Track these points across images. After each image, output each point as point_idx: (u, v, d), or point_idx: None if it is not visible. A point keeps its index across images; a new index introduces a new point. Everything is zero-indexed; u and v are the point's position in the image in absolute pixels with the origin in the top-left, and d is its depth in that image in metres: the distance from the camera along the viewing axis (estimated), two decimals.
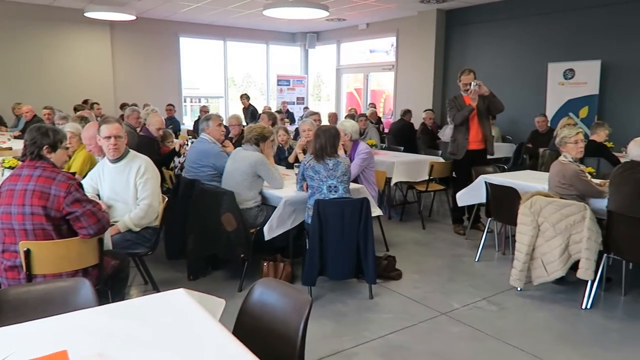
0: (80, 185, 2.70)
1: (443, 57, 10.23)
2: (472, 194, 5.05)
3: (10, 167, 4.22)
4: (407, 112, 8.39)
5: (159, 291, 3.81)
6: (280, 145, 5.43)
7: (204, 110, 9.75)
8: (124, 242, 3.38)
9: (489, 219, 4.87)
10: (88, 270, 2.75)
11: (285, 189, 4.21)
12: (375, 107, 10.40)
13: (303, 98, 13.65)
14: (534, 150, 7.21)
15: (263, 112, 7.51)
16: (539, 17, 8.50)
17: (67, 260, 2.67)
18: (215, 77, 13.54)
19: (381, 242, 5.03)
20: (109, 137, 3.36)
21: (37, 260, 2.58)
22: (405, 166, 6.03)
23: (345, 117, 8.49)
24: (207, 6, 9.84)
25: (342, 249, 3.76)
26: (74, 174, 3.88)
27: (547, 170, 4.71)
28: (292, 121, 11.36)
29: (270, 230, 3.96)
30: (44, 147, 2.70)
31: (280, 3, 8.61)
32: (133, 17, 9.81)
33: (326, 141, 3.78)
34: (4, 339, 1.63)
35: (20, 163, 4.32)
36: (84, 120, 4.95)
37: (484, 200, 4.87)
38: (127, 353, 1.54)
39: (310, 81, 14.59)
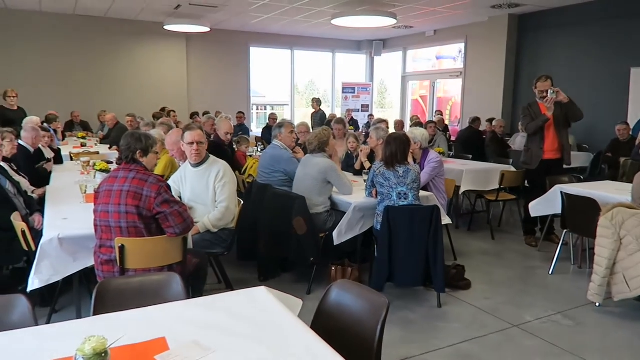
0: (169, 187, 2.91)
1: (514, 63, 9.94)
2: (546, 205, 4.88)
3: (101, 170, 4.58)
4: (476, 120, 8.22)
5: (233, 290, 4.00)
6: (350, 152, 5.50)
7: (272, 117, 10.04)
8: (202, 242, 3.58)
9: (565, 230, 4.69)
10: (173, 267, 2.94)
11: (355, 195, 4.28)
12: (442, 115, 10.26)
13: (368, 105, 13.70)
14: (614, 160, 6.84)
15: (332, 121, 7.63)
16: (619, 19, 8.07)
17: (155, 257, 2.88)
18: (281, 85, 13.90)
19: (449, 251, 4.97)
20: (192, 143, 3.58)
21: (130, 255, 2.80)
22: (475, 175, 5.92)
23: (411, 126, 8.45)
24: (277, 17, 10.16)
25: (411, 256, 3.77)
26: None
27: (629, 180, 4.48)
28: (357, 129, 11.43)
29: (340, 235, 4.03)
30: (137, 152, 2.94)
31: (348, 12, 8.75)
32: (208, 29, 10.33)
33: (396, 149, 3.81)
34: (109, 325, 1.80)
35: (108, 166, 4.70)
36: (167, 127, 5.28)
37: (559, 211, 4.70)
38: (219, 342, 1.66)
39: (374, 89, 14.61)
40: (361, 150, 5.27)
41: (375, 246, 3.99)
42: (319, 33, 12.28)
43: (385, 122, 6.75)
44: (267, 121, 10.38)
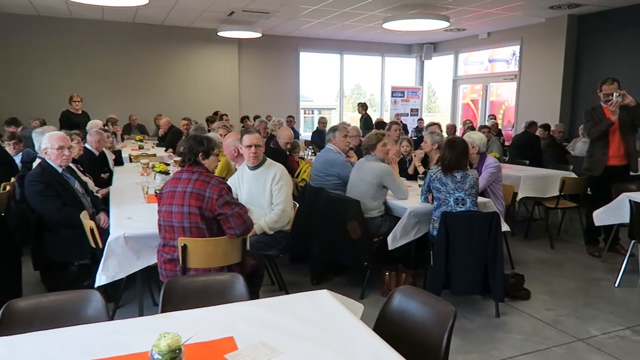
0: (230, 189, 2.97)
1: (573, 65, 9.55)
2: (611, 214, 4.64)
3: (160, 172, 4.73)
4: (532, 124, 7.94)
5: (287, 292, 4.03)
6: (403, 156, 5.44)
7: (322, 121, 10.09)
8: (258, 244, 3.63)
9: (632, 241, 4.44)
10: (232, 268, 2.99)
11: (409, 200, 4.23)
12: (495, 119, 9.99)
13: (417, 110, 13.53)
14: None
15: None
16: None
17: (216, 257, 2.94)
18: (328, 89, 13.94)
19: (506, 259, 4.79)
20: (250, 146, 3.64)
21: (192, 255, 2.87)
22: (533, 181, 5.71)
23: (465, 130, 8.26)
24: (327, 21, 10.21)
25: (468, 263, 3.68)
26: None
27: None
28: (406, 133, 11.31)
29: (394, 240, 3.99)
30: (199, 154, 3.01)
31: (400, 16, 8.68)
32: (259, 35, 10.51)
33: (456, 154, 3.73)
34: (178, 322, 1.85)
35: (167, 168, 4.85)
36: (226, 129, 5.42)
37: (626, 220, 4.46)
38: (286, 344, 1.67)
39: (424, 92, 14.42)
40: (415, 155, 5.20)
41: (431, 252, 3.92)
42: (369, 37, 12.25)
43: (438, 124, 6.62)
44: (317, 125, 10.43)
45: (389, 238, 3.98)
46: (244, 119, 10.77)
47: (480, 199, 4.12)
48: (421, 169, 5.05)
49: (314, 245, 4.43)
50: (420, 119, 12.34)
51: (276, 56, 12.30)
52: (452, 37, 12.26)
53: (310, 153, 7.30)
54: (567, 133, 9.19)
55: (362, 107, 11.15)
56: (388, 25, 9.12)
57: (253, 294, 3.30)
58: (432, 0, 8.14)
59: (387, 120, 11.79)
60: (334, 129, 4.75)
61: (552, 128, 8.04)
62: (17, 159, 5.46)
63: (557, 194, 5.63)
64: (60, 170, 3.84)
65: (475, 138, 4.69)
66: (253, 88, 12.21)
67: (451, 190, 3.75)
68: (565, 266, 5.00)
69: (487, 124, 9.25)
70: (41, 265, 4.07)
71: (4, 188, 4.47)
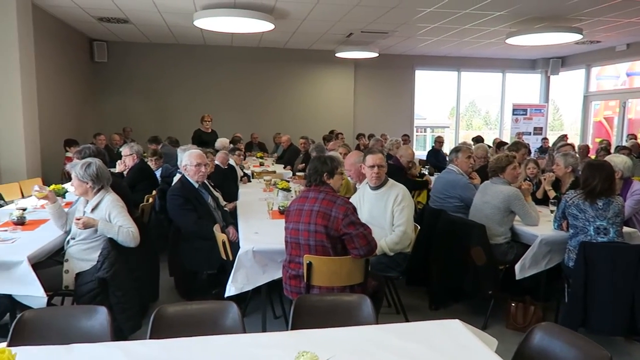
0: (355, 210, 2.99)
1: None
2: None
3: (282, 189, 4.93)
4: None
5: (405, 316, 3.95)
6: (529, 179, 5.10)
7: (439, 140, 9.84)
8: (378, 265, 3.59)
9: None
10: (354, 288, 3.00)
11: (540, 226, 3.93)
12: (636, 138, 8.99)
13: (541, 128, 12.65)
14: None
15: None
16: None
17: (339, 276, 2.96)
18: (441, 106, 13.59)
19: None
20: (373, 166, 3.65)
21: (316, 272, 2.93)
22: None
23: (599, 151, 7.54)
24: (445, 39, 10.02)
25: (611, 300, 3.30)
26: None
27: None
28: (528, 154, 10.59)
29: (522, 270, 3.73)
30: (324, 174, 3.08)
31: (525, 30, 8.25)
32: (376, 54, 10.61)
33: (600, 179, 3.40)
34: (310, 341, 1.88)
35: (289, 185, 5.02)
36: (346, 148, 5.53)
37: None
38: None
39: (549, 110, 13.46)
40: (544, 178, 4.85)
41: (566, 285, 3.60)
42: (489, 53, 11.78)
43: (572, 145, 6.12)
44: (433, 144, 10.19)
45: (517, 267, 3.73)
46: (359, 136, 10.90)
47: (625, 229, 3.71)
48: (552, 193, 4.69)
49: (433, 269, 4.29)
50: (545, 139, 11.52)
51: (392, 75, 12.32)
52: (584, 50, 11.33)
53: (425, 173, 7.15)
54: None
55: (477, 141, 10.41)
56: (512, 41, 8.70)
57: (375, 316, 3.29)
58: (562, 12, 7.61)
59: (506, 139, 11.16)
60: (457, 149, 4.60)
61: None
62: (158, 174, 6.03)
63: None
64: (196, 185, 4.16)
65: (618, 162, 4.24)
66: (367, 107, 12.33)
67: (591, 218, 3.42)
68: None
69: (625, 144, 8.35)
70: (176, 272, 4.42)
71: (147, 200, 4.95)
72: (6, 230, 3.56)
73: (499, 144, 7.44)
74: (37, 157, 6.64)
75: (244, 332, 2.06)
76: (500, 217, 3.93)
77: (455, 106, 13.28)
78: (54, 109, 8.12)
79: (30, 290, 2.90)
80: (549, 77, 13.05)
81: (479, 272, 3.86)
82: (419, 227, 3.83)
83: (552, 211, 4.24)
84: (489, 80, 13.36)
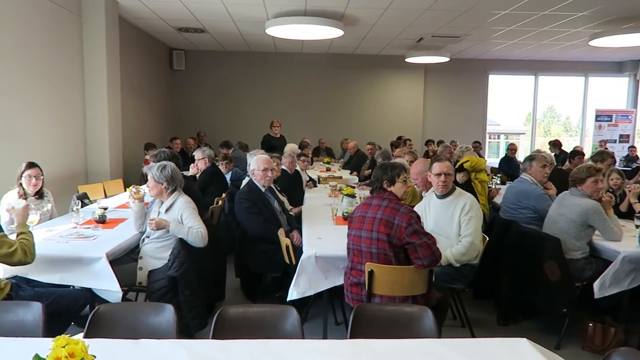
0: (419, 218, 2.92)
1: None
2: None
3: (347, 195, 4.92)
4: None
5: (471, 330, 3.80)
6: (612, 190, 4.75)
7: (512, 148, 9.43)
8: (443, 276, 3.49)
9: None
10: (416, 298, 2.93)
11: (624, 242, 3.64)
12: None
13: (628, 136, 11.75)
14: None
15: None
16: None
17: (401, 286, 2.91)
18: (516, 112, 13.01)
19: None
20: (440, 174, 3.56)
21: (377, 281, 2.89)
22: None
23: None
24: (521, 42, 9.59)
25: None
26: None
27: None
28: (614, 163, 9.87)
29: (602, 288, 3.47)
30: (384, 182, 3.05)
31: (611, 31, 7.73)
32: (447, 59, 10.37)
33: None
34: (369, 352, 1.85)
35: (354, 191, 5.01)
36: (412, 156, 5.44)
37: None
38: None
39: (637, 116, 12.48)
40: (629, 190, 4.49)
41: None
42: (570, 56, 11.13)
43: None
44: (505, 152, 9.78)
45: (596, 284, 3.47)
46: (428, 142, 10.69)
47: None
48: (637, 207, 4.34)
49: (503, 282, 4.10)
50: (632, 147, 10.69)
51: (463, 80, 11.98)
52: None
53: (497, 182, 6.86)
54: None
55: (555, 146, 9.87)
56: (596, 42, 8.17)
57: (437, 329, 3.19)
58: None
59: (587, 147, 10.48)
60: (530, 157, 4.38)
61: None
62: (228, 177, 6.24)
63: None
64: (263, 189, 4.26)
65: None
66: (437, 112, 12.07)
67: None
68: None
69: None
70: (242, 273, 4.54)
71: (217, 202, 5.13)
72: (89, 228, 3.82)
73: (573, 153, 6.88)
74: (120, 159, 7.09)
75: (303, 337, 2.07)
76: (577, 231, 3.69)
77: (532, 112, 12.67)
78: (136, 115, 8.65)
79: (107, 285, 3.10)
80: (638, 80, 12.10)
81: (552, 288, 3.63)
82: (487, 238, 3.68)
83: (637, 226, 3.92)
84: (569, 84, 12.62)
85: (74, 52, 6.26)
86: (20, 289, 2.96)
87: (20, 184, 3.82)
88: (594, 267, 3.69)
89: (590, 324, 3.62)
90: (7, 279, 2.97)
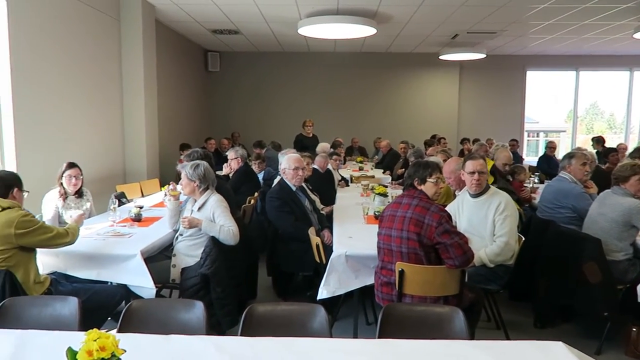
0: (450, 217, 2.87)
1: None
2: None
3: (379, 194, 4.87)
4: None
5: (506, 333, 3.70)
6: None
7: (551, 146, 9.14)
8: (476, 276, 3.41)
9: None
10: (448, 299, 2.87)
11: None
12: None
13: None
14: None
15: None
16: None
17: (432, 286, 2.86)
18: (557, 109, 12.60)
19: None
20: (473, 173, 3.48)
21: (408, 281, 2.85)
22: None
23: None
24: (561, 36, 9.28)
25: None
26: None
27: None
28: None
29: None
30: (414, 180, 3.00)
31: None
32: (483, 56, 10.15)
33: None
34: (396, 352, 1.83)
35: (387, 190, 4.96)
36: (445, 154, 5.35)
37: None
38: None
39: None
40: None
41: None
42: (613, 50, 10.69)
43: None
44: (544, 150, 9.49)
45: None
46: (463, 140, 10.49)
47: None
48: None
49: (540, 284, 3.98)
50: None
51: (500, 76, 11.69)
52: None
53: (536, 180, 6.67)
54: None
55: (598, 142, 9.50)
56: None
57: (469, 330, 3.12)
58: None
59: (632, 144, 10.05)
60: (570, 155, 4.23)
61: None
62: (260, 177, 6.30)
63: None
64: (294, 188, 4.28)
65: None
66: (473, 110, 11.82)
67: None
68: None
69: None
70: (273, 272, 4.57)
71: (249, 202, 5.18)
72: (125, 226, 3.93)
73: (607, 151, 6.46)
74: (156, 160, 7.27)
75: (330, 336, 2.06)
76: (619, 231, 3.54)
77: (573, 108, 12.24)
78: (172, 115, 8.84)
79: (141, 282, 3.17)
80: None
81: (593, 290, 3.50)
82: (523, 238, 3.57)
83: None
84: (613, 79, 12.13)
85: (113, 55, 6.46)
86: (60, 284, 3.07)
87: (61, 184, 3.96)
88: (638, 269, 3.54)
89: (634, 329, 3.47)
90: (46, 274, 3.08)
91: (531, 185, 5.93)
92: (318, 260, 3.71)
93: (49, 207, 3.91)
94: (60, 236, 2.93)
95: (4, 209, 2.76)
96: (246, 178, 5.68)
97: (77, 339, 1.44)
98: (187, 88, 9.92)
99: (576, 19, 7.87)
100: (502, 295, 4.13)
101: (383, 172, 8.34)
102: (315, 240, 3.68)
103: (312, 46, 10.66)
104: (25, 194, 3.01)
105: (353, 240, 3.61)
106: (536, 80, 12.23)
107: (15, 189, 2.89)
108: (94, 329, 1.45)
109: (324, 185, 5.78)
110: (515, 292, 4.34)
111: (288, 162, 4.27)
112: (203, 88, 11.15)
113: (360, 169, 8.82)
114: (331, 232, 4.09)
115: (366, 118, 11.77)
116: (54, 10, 5.17)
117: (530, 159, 12.36)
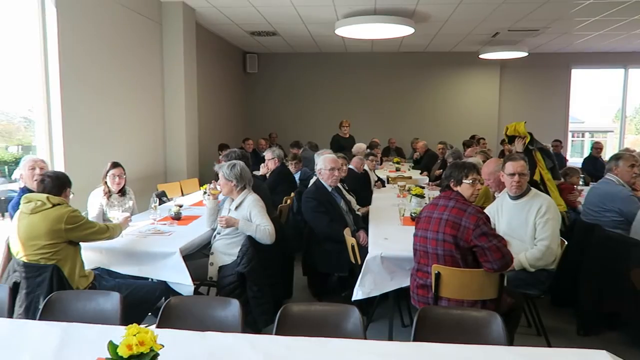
0: (488, 220, 2.80)
1: None
2: None
3: (416, 195, 4.82)
4: None
5: (547, 340, 3.59)
6: None
7: (597, 147, 8.80)
8: (516, 281, 3.32)
9: None
10: (486, 303, 2.81)
11: None
12: None
13: None
14: None
15: None
16: None
17: (469, 289, 2.80)
18: (604, 108, 12.12)
19: None
20: (514, 174, 3.39)
21: (444, 284, 2.81)
22: None
23: None
24: (608, 33, 8.92)
25: None
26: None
27: None
28: None
29: None
30: (451, 181, 2.96)
31: None
32: (525, 54, 9.87)
33: None
34: (431, 356, 1.80)
35: (423, 191, 4.90)
36: (484, 155, 5.24)
37: None
38: None
39: None
40: None
41: None
42: None
43: None
44: (590, 151, 9.15)
45: None
46: (503, 141, 10.22)
47: None
48: None
49: (584, 290, 3.83)
50: None
51: (543, 75, 11.34)
52: None
53: (580, 183, 6.43)
54: None
55: None
56: None
57: (508, 336, 3.04)
58: None
59: None
60: (617, 156, 4.06)
61: None
62: (297, 177, 6.34)
63: None
64: (330, 189, 4.28)
65: None
66: (514, 110, 11.49)
67: None
68: None
69: None
70: (309, 272, 4.59)
71: (286, 201, 5.22)
72: (165, 224, 4.03)
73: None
74: (196, 159, 7.43)
75: (364, 337, 2.06)
76: None
77: (621, 108, 11.75)
78: (211, 116, 9.02)
79: (180, 279, 3.25)
80: None
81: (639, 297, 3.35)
82: (566, 243, 3.45)
83: None
84: None
85: (155, 58, 6.65)
86: (103, 280, 3.19)
87: (105, 182, 4.10)
88: None
89: None
90: (90, 269, 3.21)
91: (576, 186, 5.74)
92: (353, 261, 3.70)
93: (94, 204, 4.05)
94: (101, 231, 3.13)
95: (54, 205, 2.91)
96: (282, 178, 5.73)
97: (118, 333, 1.48)
98: (226, 89, 10.10)
99: (624, 15, 7.54)
100: (544, 300, 4.01)
101: (420, 173, 8.24)
102: (350, 241, 3.67)
103: (350, 46, 10.65)
104: (72, 195, 3.17)
105: (389, 241, 3.58)
106: (582, 79, 11.81)
107: (68, 189, 3.10)
108: (134, 324, 1.49)
109: (361, 186, 5.76)
110: (558, 297, 4.21)
111: (324, 162, 4.28)
112: (241, 89, 11.32)
113: (397, 169, 8.74)
114: (367, 233, 4.07)
115: (404, 118, 11.66)
116: (101, 15, 5.37)
117: (574, 160, 11.93)
